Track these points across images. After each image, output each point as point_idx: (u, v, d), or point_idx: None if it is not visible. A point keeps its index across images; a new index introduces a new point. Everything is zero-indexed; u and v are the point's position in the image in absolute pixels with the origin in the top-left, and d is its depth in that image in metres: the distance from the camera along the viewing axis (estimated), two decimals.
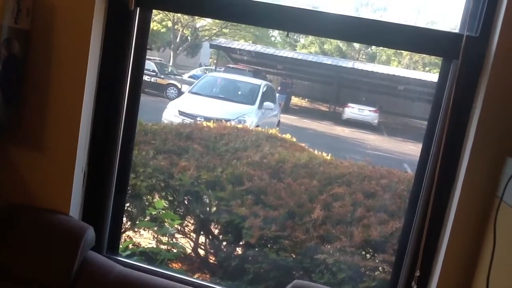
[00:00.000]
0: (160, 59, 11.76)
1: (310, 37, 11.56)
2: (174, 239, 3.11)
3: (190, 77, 10.54)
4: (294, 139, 3.89)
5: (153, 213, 2.99)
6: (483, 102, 1.35)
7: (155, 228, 3.02)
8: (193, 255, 3.22)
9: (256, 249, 2.88)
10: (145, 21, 1.65)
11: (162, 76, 9.61)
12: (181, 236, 3.18)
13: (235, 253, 3.05)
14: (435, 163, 1.45)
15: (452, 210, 1.43)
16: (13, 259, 1.49)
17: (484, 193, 1.37)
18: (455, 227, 1.41)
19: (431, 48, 1.52)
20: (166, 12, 10.10)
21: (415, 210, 1.55)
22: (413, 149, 7.58)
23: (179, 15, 10.64)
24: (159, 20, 11.48)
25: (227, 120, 5.05)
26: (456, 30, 1.49)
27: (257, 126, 5.97)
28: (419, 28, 1.52)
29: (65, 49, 1.56)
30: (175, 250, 3.01)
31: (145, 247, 2.93)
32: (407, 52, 10.16)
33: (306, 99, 11.66)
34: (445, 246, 1.42)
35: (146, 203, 3.10)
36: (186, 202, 3.18)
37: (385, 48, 10.48)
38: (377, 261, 2.68)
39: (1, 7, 1.44)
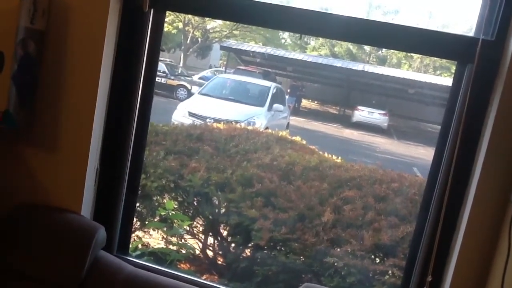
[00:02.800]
0: (170, 60, 11.83)
1: (321, 40, 11.54)
2: (183, 240, 3.12)
3: (200, 78, 10.58)
4: (304, 142, 3.89)
5: (163, 213, 3.00)
6: (498, 106, 1.34)
7: (165, 229, 3.03)
8: (202, 256, 3.22)
9: (265, 251, 2.87)
10: (159, 22, 1.66)
11: (172, 77, 9.65)
12: (190, 237, 3.19)
13: (244, 255, 3.05)
14: (448, 167, 1.44)
15: (465, 214, 1.41)
16: (24, 258, 1.50)
17: (498, 198, 1.36)
18: (468, 232, 1.39)
19: (446, 51, 1.51)
20: (177, 14, 10.15)
21: (427, 214, 1.54)
22: (423, 153, 7.53)
23: (190, 16, 10.69)
24: (170, 21, 11.55)
25: (236, 122, 5.05)
26: (468, 34, 1.48)
27: (267, 128, 5.97)
28: (433, 31, 1.50)
29: (80, 50, 1.57)
30: (184, 251, 3.02)
31: (155, 247, 2.94)
32: (418, 55, 10.11)
33: (316, 102, 11.64)
34: (458, 251, 1.41)
35: (156, 204, 3.11)
36: (195, 203, 3.18)
37: (395, 51, 10.43)
38: (387, 265, 2.66)
39: (18, 8, 1.46)
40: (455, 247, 1.44)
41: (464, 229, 1.40)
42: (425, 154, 6.98)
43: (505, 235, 1.29)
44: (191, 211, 3.20)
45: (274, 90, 7.47)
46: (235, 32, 11.92)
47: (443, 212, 1.43)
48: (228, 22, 10.27)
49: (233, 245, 3.14)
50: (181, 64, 12.26)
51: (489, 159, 1.36)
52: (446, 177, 1.45)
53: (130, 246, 2.01)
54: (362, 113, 9.48)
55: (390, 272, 2.65)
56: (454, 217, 1.46)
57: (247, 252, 3.05)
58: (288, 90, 9.76)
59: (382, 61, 12.34)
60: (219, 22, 11.21)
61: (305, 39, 11.91)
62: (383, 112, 9.46)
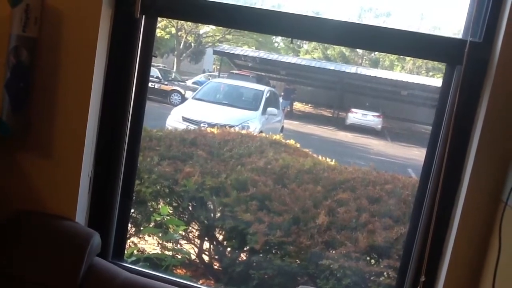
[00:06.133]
0: (163, 65, 11.82)
1: (313, 43, 11.58)
2: (178, 245, 3.11)
3: (193, 83, 10.57)
4: (298, 145, 3.90)
5: (158, 219, 3.00)
6: (487, 107, 1.36)
7: (160, 234, 3.03)
8: (198, 261, 3.22)
9: (261, 255, 2.88)
10: (151, 29, 1.67)
11: (166, 83, 9.64)
12: (185, 242, 3.18)
13: (240, 259, 3.05)
14: (440, 168, 1.46)
15: (457, 214, 1.43)
16: (20, 265, 1.49)
17: (489, 198, 1.37)
18: (460, 232, 1.41)
19: (435, 54, 1.53)
20: (170, 19, 10.15)
21: (420, 215, 1.55)
22: (417, 154, 7.56)
23: (182, 21, 10.70)
24: (162, 26, 11.55)
25: (230, 126, 5.06)
26: (460, 35, 1.50)
27: (261, 131, 5.97)
28: (422, 34, 1.52)
29: (72, 56, 1.58)
30: (179, 256, 3.02)
31: (150, 253, 2.94)
32: (410, 57, 10.16)
33: (310, 105, 11.66)
34: (450, 251, 1.42)
35: (151, 209, 3.10)
36: (190, 208, 3.18)
37: (388, 54, 10.48)
38: (382, 266, 2.67)
39: (9, 15, 1.46)
40: (448, 247, 1.45)
41: (456, 229, 1.41)
42: (419, 155, 7.01)
43: (496, 234, 1.30)
44: (186, 216, 3.20)
45: (268, 94, 7.48)
46: (228, 36, 11.93)
47: (435, 212, 1.45)
48: (221, 27, 10.29)
49: (228, 249, 3.14)
50: (174, 69, 12.25)
51: (479, 159, 1.38)
52: (438, 178, 1.46)
53: (126, 252, 2.01)
54: (356, 116, 9.50)
55: (385, 273, 2.66)
56: (446, 217, 1.47)
57: (243, 256, 3.06)
58: (282, 94, 9.77)
59: (375, 64, 12.39)
60: (212, 27, 11.22)
61: (298, 43, 11.95)
62: (376, 114, 9.48)
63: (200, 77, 11.72)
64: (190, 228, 3.20)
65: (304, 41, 11.32)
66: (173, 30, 12.20)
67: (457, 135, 1.43)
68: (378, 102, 9.84)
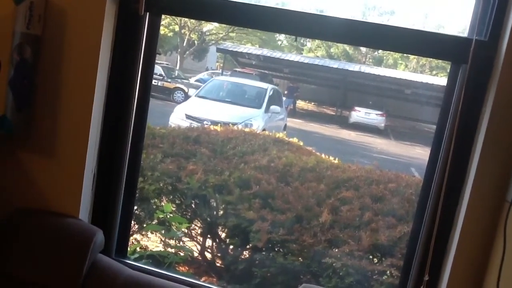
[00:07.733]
0: (167, 63, 11.82)
1: (317, 41, 11.57)
2: (181, 243, 3.12)
3: (197, 81, 10.59)
4: (301, 143, 3.89)
5: (161, 216, 3.00)
6: (492, 106, 1.35)
7: (163, 232, 3.03)
8: (200, 258, 3.22)
9: (264, 253, 2.88)
10: (154, 26, 1.67)
11: (169, 80, 9.67)
12: (188, 239, 3.19)
13: (242, 257, 3.05)
14: (444, 167, 1.45)
15: (461, 214, 1.42)
16: (22, 263, 1.50)
17: (493, 198, 1.37)
18: (464, 231, 1.40)
19: (440, 52, 1.52)
20: (174, 17, 10.16)
21: (424, 214, 1.55)
22: (420, 153, 7.55)
23: (186, 19, 10.70)
24: (166, 24, 11.56)
25: (233, 124, 5.06)
26: (464, 34, 1.49)
27: (264, 129, 5.97)
28: (427, 32, 1.52)
29: (76, 54, 1.58)
30: (182, 254, 3.02)
31: (153, 250, 2.94)
32: (414, 56, 10.14)
33: (313, 103, 11.66)
34: (454, 251, 1.42)
35: (154, 207, 3.11)
36: (193, 206, 3.18)
37: (392, 52, 10.45)
38: (385, 265, 2.67)
39: (13, 13, 1.46)
40: (452, 246, 1.45)
41: (461, 228, 1.41)
42: (422, 154, 7.01)
43: (501, 233, 1.30)
44: (189, 214, 3.20)
45: (271, 92, 7.48)
46: (231, 34, 11.93)
47: (440, 211, 1.44)
48: (224, 25, 10.28)
49: (231, 247, 3.14)
50: (177, 67, 12.27)
51: (484, 158, 1.37)
52: (442, 177, 1.45)
53: (129, 249, 2.01)
54: (359, 114, 9.51)
55: (388, 272, 2.66)
56: (450, 216, 1.47)
57: (246, 254, 3.06)
58: (285, 92, 9.77)
59: (379, 62, 12.38)
60: (215, 24, 11.23)
61: (301, 41, 11.93)
62: (380, 112, 9.49)
63: (203, 75, 11.74)
64: (193, 225, 3.21)
65: (308, 39, 11.30)
66: (177, 28, 12.21)
67: (462, 134, 1.42)
68: (381, 101, 9.84)
